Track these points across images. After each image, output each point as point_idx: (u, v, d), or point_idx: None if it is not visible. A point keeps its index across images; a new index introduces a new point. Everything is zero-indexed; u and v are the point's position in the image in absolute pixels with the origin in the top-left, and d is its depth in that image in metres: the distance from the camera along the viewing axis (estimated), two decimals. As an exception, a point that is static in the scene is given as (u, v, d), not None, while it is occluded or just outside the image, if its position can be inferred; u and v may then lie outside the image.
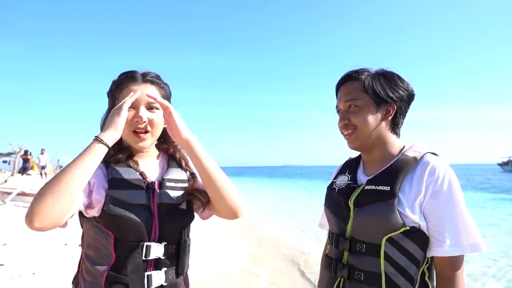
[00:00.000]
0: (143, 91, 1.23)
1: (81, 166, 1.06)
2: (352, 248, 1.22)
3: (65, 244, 6.08)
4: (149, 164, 1.32)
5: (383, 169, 1.24)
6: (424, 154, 1.21)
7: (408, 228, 1.14)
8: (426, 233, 1.17)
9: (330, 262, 1.29)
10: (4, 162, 26.26)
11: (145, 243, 1.18)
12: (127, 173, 1.22)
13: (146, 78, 1.28)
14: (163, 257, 1.21)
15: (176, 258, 1.25)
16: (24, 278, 4.45)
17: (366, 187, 1.24)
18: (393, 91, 1.25)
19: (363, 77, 1.27)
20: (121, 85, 1.28)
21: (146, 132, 1.25)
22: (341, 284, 1.24)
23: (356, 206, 1.23)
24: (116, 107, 1.18)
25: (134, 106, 1.22)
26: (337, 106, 1.33)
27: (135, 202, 1.19)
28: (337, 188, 1.34)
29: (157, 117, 1.27)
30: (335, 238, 1.28)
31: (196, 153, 1.23)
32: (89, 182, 1.14)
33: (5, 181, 14.01)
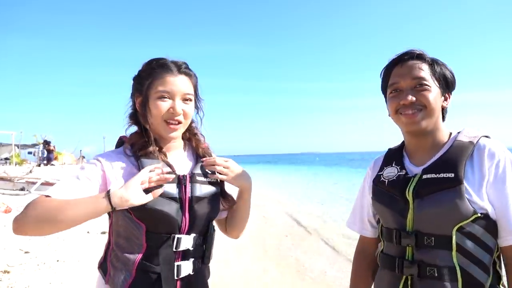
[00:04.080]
0: (179, 83, 1.26)
1: (78, 215, 1.08)
2: (419, 242, 1.14)
3: (88, 232, 6.19)
4: (177, 157, 1.34)
5: (438, 156, 1.19)
6: (480, 138, 1.18)
7: (479, 215, 1.08)
8: (494, 219, 1.11)
9: (392, 260, 1.20)
10: (29, 153, 27.08)
11: (176, 235, 1.21)
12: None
13: (181, 70, 1.29)
14: (192, 248, 1.24)
15: (203, 249, 1.29)
16: (48, 265, 4.54)
17: (424, 176, 1.17)
18: (452, 79, 1.25)
19: (428, 59, 1.23)
20: (153, 75, 1.26)
21: (179, 123, 1.27)
22: (409, 282, 1.16)
23: (416, 197, 1.16)
24: (144, 173, 1.16)
25: (170, 97, 1.24)
26: (393, 84, 1.24)
27: (167, 196, 1.20)
28: (386, 181, 1.27)
29: (190, 109, 1.30)
30: (396, 233, 1.20)
31: (247, 199, 1.39)
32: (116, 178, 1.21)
33: (30, 171, 14.39)
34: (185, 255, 1.23)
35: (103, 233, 6.26)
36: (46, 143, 22.57)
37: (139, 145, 1.26)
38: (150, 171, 1.15)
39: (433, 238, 1.11)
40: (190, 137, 1.41)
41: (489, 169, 1.11)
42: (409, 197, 1.17)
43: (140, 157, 1.24)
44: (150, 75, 1.26)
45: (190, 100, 1.30)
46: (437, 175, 1.14)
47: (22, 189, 11.02)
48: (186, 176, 1.27)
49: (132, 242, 1.20)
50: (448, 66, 1.25)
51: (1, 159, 23.09)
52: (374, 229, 1.39)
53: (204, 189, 1.28)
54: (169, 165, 1.26)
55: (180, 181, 1.24)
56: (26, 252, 4.91)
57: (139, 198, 1.11)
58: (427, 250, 1.12)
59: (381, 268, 1.28)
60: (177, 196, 1.22)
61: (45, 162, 21.66)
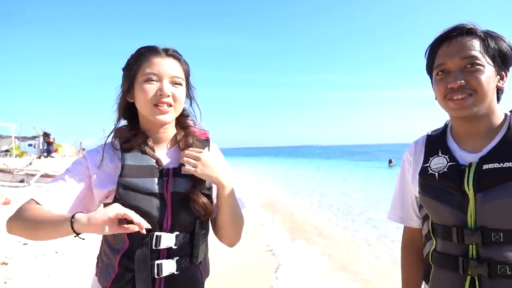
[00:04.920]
0: (167, 66, 1.20)
1: (46, 236, 1.10)
2: (486, 239, 1.04)
3: (87, 224, 6.16)
4: (165, 150, 1.27)
5: (496, 142, 1.08)
6: None
7: None
8: None
9: (454, 260, 1.09)
10: (30, 145, 27.07)
11: (156, 233, 1.14)
12: (140, 160, 1.19)
13: (169, 52, 1.23)
14: (175, 247, 1.17)
15: (190, 247, 1.21)
16: (47, 257, 4.53)
17: (486, 166, 1.06)
18: (510, 54, 1.10)
19: (480, 33, 1.09)
20: (141, 57, 1.21)
21: (169, 106, 1.20)
22: (476, 282, 1.06)
23: (478, 190, 1.05)
24: (114, 208, 1.00)
25: (158, 79, 1.18)
26: (440, 65, 1.11)
27: (147, 191, 1.15)
28: (437, 173, 1.14)
29: (180, 92, 1.23)
30: (457, 231, 1.08)
31: (227, 199, 1.21)
32: (97, 178, 1.19)
33: (30, 163, 14.36)
34: (169, 253, 1.16)
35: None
36: (46, 135, 22.55)
37: (124, 138, 1.23)
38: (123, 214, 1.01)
39: (501, 233, 1.02)
40: (178, 130, 1.32)
41: None
42: (470, 190, 1.06)
43: (125, 151, 1.20)
44: (137, 60, 1.22)
45: (180, 84, 1.23)
46: (501, 164, 1.03)
47: (22, 181, 11.00)
48: (169, 170, 1.19)
49: (117, 239, 1.18)
50: (505, 37, 1.10)
51: (1, 151, 23.06)
52: (419, 219, 1.27)
53: (188, 183, 1.20)
54: (156, 159, 1.21)
55: (162, 175, 1.18)
56: (24, 244, 4.89)
57: (100, 229, 0.99)
58: (496, 247, 1.03)
59: (438, 268, 1.15)
60: (159, 191, 1.15)
61: (45, 154, 21.65)
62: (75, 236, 1.03)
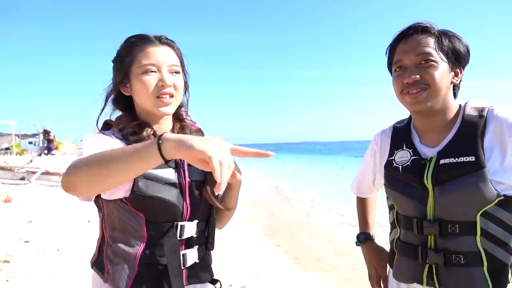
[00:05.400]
0: (164, 54, 1.15)
1: (118, 170, 0.86)
2: (443, 230, 1.11)
3: (88, 221, 6.15)
4: None
5: (451, 136, 1.14)
6: (489, 109, 1.12)
7: (502, 197, 1.05)
8: None
9: (414, 249, 1.18)
10: (30, 143, 27.06)
11: (179, 223, 1.13)
12: None
13: (162, 40, 1.18)
14: (195, 235, 1.17)
15: (206, 235, 1.22)
16: (49, 254, 4.50)
17: (442, 161, 1.12)
18: (465, 53, 1.17)
19: (435, 32, 1.15)
20: (133, 48, 1.15)
21: (171, 96, 1.16)
22: (433, 270, 1.13)
23: (436, 184, 1.11)
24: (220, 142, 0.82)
25: (157, 69, 1.14)
26: (398, 61, 1.17)
27: (167, 181, 1.11)
28: (400, 167, 1.21)
29: (180, 81, 1.19)
30: (417, 222, 1.16)
31: (237, 192, 1.25)
32: None
33: (31, 161, 14.33)
34: (189, 243, 1.16)
35: (104, 222, 6.21)
36: (46, 132, 22.52)
37: (131, 128, 1.14)
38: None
39: (457, 225, 1.08)
40: (174, 123, 1.28)
41: (510, 140, 1.06)
42: (428, 184, 1.12)
43: (134, 142, 1.10)
44: (130, 51, 1.15)
45: (178, 72, 1.19)
46: (457, 159, 1.09)
47: (23, 178, 10.96)
48: (183, 160, 1.15)
49: (130, 235, 1.11)
50: (461, 37, 1.16)
51: (2, 149, 23.03)
52: (371, 193, 1.52)
53: (201, 172, 1.18)
54: None
55: (177, 165, 1.15)
56: (26, 242, 4.87)
57: (200, 159, 0.79)
58: (452, 237, 1.10)
59: (401, 255, 1.24)
60: (177, 182, 1.13)
61: (45, 152, 21.63)
62: (166, 162, 0.83)
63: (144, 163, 0.84)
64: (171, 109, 1.18)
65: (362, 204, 1.57)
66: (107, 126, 1.21)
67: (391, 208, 1.29)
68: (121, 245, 1.11)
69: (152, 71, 1.13)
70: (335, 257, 5.28)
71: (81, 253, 4.56)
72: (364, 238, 1.50)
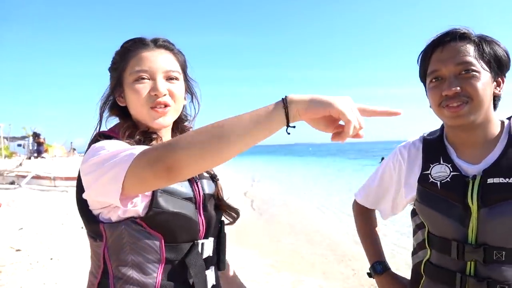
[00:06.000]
0: (158, 59, 1.04)
1: (239, 136, 0.74)
2: (487, 257, 1.01)
3: (82, 227, 5.97)
4: None
5: (499, 154, 1.05)
6: None
7: None
8: None
9: (451, 276, 1.07)
10: (19, 145, 26.64)
11: (200, 241, 1.02)
12: None
13: (159, 43, 1.07)
14: (211, 254, 1.07)
15: (217, 253, 1.11)
16: (42, 263, 4.35)
17: (490, 180, 1.02)
18: (506, 59, 1.08)
19: (475, 38, 1.06)
20: (127, 53, 1.05)
21: (166, 106, 1.04)
22: None
23: (483, 205, 1.02)
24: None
25: (150, 76, 1.02)
26: (434, 71, 1.08)
27: (184, 195, 1.00)
28: (439, 183, 1.10)
29: (178, 88, 1.06)
30: (458, 246, 1.05)
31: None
32: None
33: (20, 164, 14.02)
34: (206, 263, 1.04)
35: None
36: (36, 135, 22.19)
37: (138, 136, 1.01)
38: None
39: (504, 252, 1.00)
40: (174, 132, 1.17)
41: None
42: (473, 204, 1.03)
43: None
44: (123, 57, 1.05)
45: (177, 79, 1.06)
46: (507, 179, 1.00)
47: (12, 182, 10.72)
48: None
49: (146, 261, 0.96)
50: (500, 42, 1.08)
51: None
52: (389, 213, 1.32)
53: (211, 185, 1.12)
54: None
55: (190, 179, 1.04)
56: (17, 250, 4.71)
57: (327, 117, 0.74)
58: (496, 265, 1.01)
59: (431, 280, 1.13)
60: (192, 196, 1.02)
61: (35, 155, 21.29)
62: (287, 128, 0.74)
63: (267, 131, 0.75)
64: (167, 120, 1.05)
65: (368, 221, 1.41)
66: (105, 138, 1.02)
67: (419, 226, 1.19)
68: (135, 276, 0.96)
69: (144, 78, 1.02)
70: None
71: (75, 262, 4.41)
72: (382, 269, 1.33)
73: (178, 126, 1.17)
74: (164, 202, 0.94)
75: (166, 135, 1.10)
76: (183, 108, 1.14)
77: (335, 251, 5.73)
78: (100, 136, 1.03)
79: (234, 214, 1.16)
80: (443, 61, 1.05)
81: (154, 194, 0.94)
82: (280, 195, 12.37)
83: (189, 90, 1.16)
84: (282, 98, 0.75)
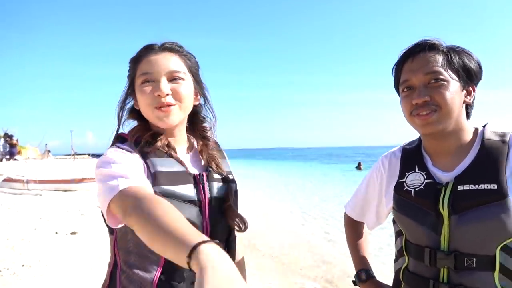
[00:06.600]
0: (162, 61, 1.07)
1: (158, 248, 0.77)
2: (458, 264, 1.02)
3: (56, 233, 5.80)
4: (185, 154, 1.17)
5: (470, 161, 1.07)
6: (511, 135, 1.06)
7: None
8: None
9: (425, 282, 1.08)
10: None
11: None
12: (170, 165, 1.07)
13: (165, 46, 1.11)
14: None
15: None
16: (12, 270, 4.17)
17: (461, 187, 1.04)
18: (477, 69, 1.10)
19: (444, 49, 1.08)
20: (138, 59, 1.11)
21: (169, 105, 1.07)
22: None
23: (453, 212, 1.03)
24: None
25: (154, 78, 1.07)
26: (405, 81, 1.10)
27: (186, 199, 1.04)
28: (413, 190, 1.12)
29: (182, 87, 1.08)
30: (431, 253, 1.06)
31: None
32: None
33: (-9, 166, 13.51)
34: None
35: (73, 233, 5.89)
36: (8, 136, 21.49)
37: (146, 139, 1.08)
38: None
39: (474, 259, 1.00)
40: (197, 139, 1.22)
41: None
42: (444, 211, 1.04)
43: (148, 154, 1.05)
44: (135, 62, 1.11)
45: (181, 79, 1.09)
46: (477, 186, 1.01)
47: (-18, 186, 10.30)
48: (202, 174, 1.10)
49: (146, 259, 1.02)
50: (472, 53, 1.10)
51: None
52: (375, 224, 1.35)
53: (221, 188, 1.13)
54: (181, 163, 1.09)
55: (196, 181, 1.08)
56: (-14, 257, 4.50)
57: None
58: (468, 272, 1.01)
59: (408, 287, 1.15)
60: (196, 199, 1.05)
61: (7, 157, 20.58)
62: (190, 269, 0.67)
63: (174, 260, 0.73)
64: (172, 119, 1.07)
65: (355, 232, 1.43)
66: (122, 139, 1.12)
67: (398, 234, 1.20)
68: (136, 271, 1.02)
69: (149, 81, 1.06)
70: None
71: (49, 268, 4.24)
72: (366, 277, 1.34)
73: (197, 127, 1.21)
74: None
75: (179, 135, 1.15)
76: (201, 109, 1.20)
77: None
78: (117, 138, 1.12)
79: (240, 224, 1.12)
80: (413, 71, 1.07)
81: None
82: (262, 201, 12.35)
83: (200, 92, 1.18)
84: (192, 247, 0.66)
